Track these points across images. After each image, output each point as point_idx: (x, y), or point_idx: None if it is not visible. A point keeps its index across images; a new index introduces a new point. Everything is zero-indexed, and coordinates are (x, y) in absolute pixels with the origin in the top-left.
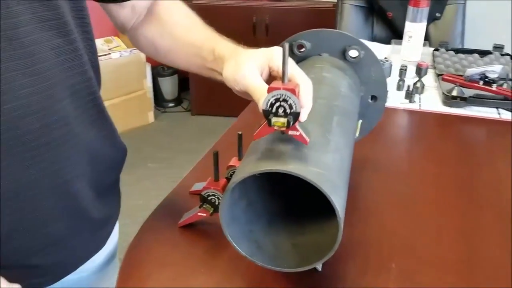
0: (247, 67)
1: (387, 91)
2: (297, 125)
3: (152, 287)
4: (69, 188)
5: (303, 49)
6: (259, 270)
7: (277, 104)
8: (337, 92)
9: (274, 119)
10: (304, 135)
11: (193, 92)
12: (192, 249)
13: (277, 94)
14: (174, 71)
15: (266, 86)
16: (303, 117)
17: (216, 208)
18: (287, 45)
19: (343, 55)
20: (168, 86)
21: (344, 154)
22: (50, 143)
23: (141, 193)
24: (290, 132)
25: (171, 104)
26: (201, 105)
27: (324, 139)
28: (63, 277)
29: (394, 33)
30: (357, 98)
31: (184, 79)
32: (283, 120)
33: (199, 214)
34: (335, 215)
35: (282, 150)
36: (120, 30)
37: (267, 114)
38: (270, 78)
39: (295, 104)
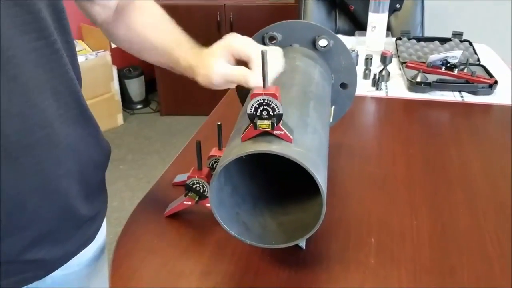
0: (218, 66)
1: (357, 78)
2: (280, 125)
3: (143, 275)
4: (55, 187)
5: (274, 41)
6: (245, 252)
7: (261, 108)
8: (311, 80)
9: (259, 122)
10: (288, 133)
11: (160, 93)
12: (180, 236)
13: (260, 100)
14: (140, 72)
15: (243, 69)
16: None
17: (201, 196)
18: (266, 52)
19: (313, 45)
20: (135, 87)
21: (322, 136)
22: (33, 144)
23: (115, 195)
24: (275, 132)
25: (139, 106)
26: (169, 105)
27: (303, 122)
28: (51, 272)
29: (357, 26)
30: (329, 86)
31: (151, 80)
32: (268, 122)
33: (184, 202)
34: (317, 194)
35: (265, 134)
36: (95, 24)
37: (253, 117)
38: (237, 61)
39: (277, 107)
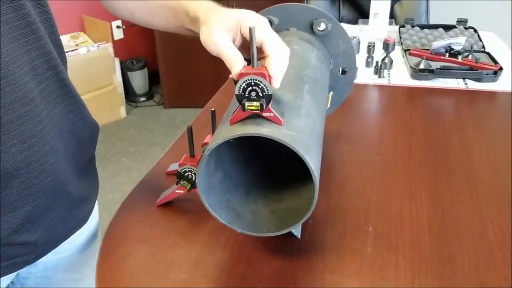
0: (218, 34)
1: (356, 63)
2: (270, 106)
3: (132, 265)
4: (42, 165)
5: (271, 25)
6: (239, 240)
7: (249, 88)
8: (307, 63)
9: (247, 103)
10: (278, 115)
11: (164, 85)
12: (172, 225)
13: (248, 79)
14: (143, 64)
15: (237, 53)
16: (275, 85)
17: (193, 184)
18: (254, 29)
19: (311, 28)
20: (139, 80)
21: (316, 120)
22: (14, 121)
23: (117, 187)
24: (265, 114)
25: (142, 99)
26: (173, 97)
27: (296, 105)
28: (42, 256)
29: (361, 14)
30: (327, 69)
31: (154, 72)
32: (257, 103)
33: (176, 191)
34: (310, 179)
35: (254, 117)
36: None
37: (240, 98)
38: (245, 42)
39: (266, 87)
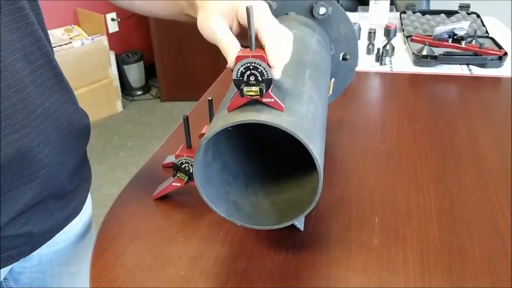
0: (214, 20)
1: (358, 48)
2: (270, 91)
3: (127, 262)
4: (34, 156)
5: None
6: (238, 235)
7: (248, 72)
8: (307, 48)
9: (246, 89)
10: (279, 101)
11: (160, 78)
12: (169, 220)
13: (246, 63)
14: (139, 57)
15: (234, 40)
16: (276, 76)
17: (190, 176)
18: (251, 8)
19: (311, 13)
20: (134, 73)
21: (319, 106)
22: (7, 109)
23: (114, 182)
24: (265, 100)
25: (139, 92)
26: (170, 91)
27: (297, 90)
28: (37, 248)
29: (359, 2)
30: (328, 55)
31: (151, 65)
32: (256, 88)
33: (173, 184)
34: (313, 170)
35: (254, 103)
36: None
37: (238, 84)
38: (242, 29)
39: (266, 70)
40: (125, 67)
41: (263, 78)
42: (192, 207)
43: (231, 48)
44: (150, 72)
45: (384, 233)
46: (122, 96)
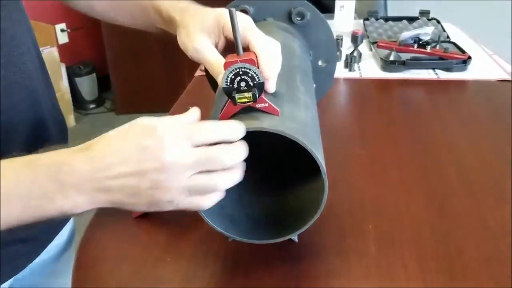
0: (198, 39)
1: (337, 54)
2: (264, 96)
3: (114, 286)
4: None
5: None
6: (231, 251)
7: (238, 79)
8: (292, 53)
9: (238, 96)
10: (273, 105)
11: (115, 90)
12: (153, 238)
13: (235, 68)
14: (91, 69)
15: (221, 59)
16: (270, 89)
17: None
18: (234, 11)
19: (289, 18)
20: (87, 86)
21: (314, 112)
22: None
23: None
24: (258, 105)
25: (92, 106)
26: (125, 103)
27: (293, 96)
28: (43, 249)
29: (322, 10)
30: (309, 61)
31: (104, 77)
32: (248, 94)
33: None
34: (311, 178)
35: (247, 110)
36: None
37: (230, 92)
38: (229, 43)
39: (257, 74)
40: (77, 79)
41: (255, 82)
42: (176, 224)
43: (220, 68)
44: (103, 84)
45: (380, 240)
46: (74, 110)
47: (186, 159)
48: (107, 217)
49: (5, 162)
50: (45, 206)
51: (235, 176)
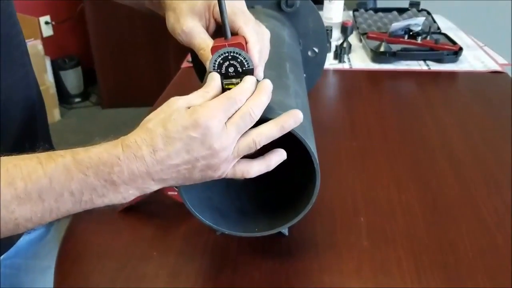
0: (187, 22)
1: (327, 43)
2: None
3: (96, 284)
4: None
5: None
6: (219, 245)
7: (226, 63)
8: (281, 41)
9: (225, 82)
10: None
11: (101, 84)
12: (138, 234)
13: (224, 53)
14: (77, 63)
15: (211, 42)
16: (259, 75)
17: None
18: None
19: (278, 6)
20: (72, 79)
21: (304, 100)
22: None
23: None
24: None
25: (77, 100)
26: (111, 97)
27: (282, 83)
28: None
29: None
30: (299, 50)
31: (89, 70)
32: (236, 81)
33: None
34: (302, 169)
35: None
36: None
37: None
38: (220, 28)
39: (246, 60)
40: (61, 73)
41: (244, 69)
42: (163, 218)
43: (206, 55)
44: (88, 78)
45: (372, 234)
46: (59, 104)
47: (230, 136)
48: (89, 213)
49: (51, 160)
50: (95, 200)
51: (268, 127)
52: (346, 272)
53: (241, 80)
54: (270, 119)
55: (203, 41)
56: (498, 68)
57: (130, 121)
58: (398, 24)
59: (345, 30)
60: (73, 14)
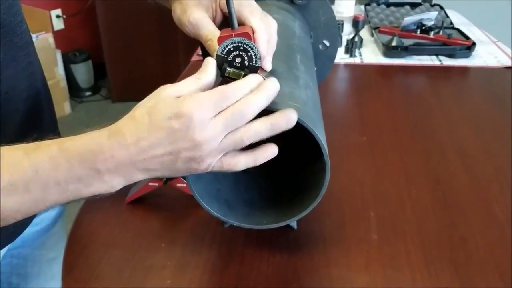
0: (193, 13)
1: (338, 36)
2: (261, 74)
3: (104, 275)
4: None
5: None
6: (227, 237)
7: (236, 52)
8: (292, 32)
9: (229, 69)
10: None
11: (111, 77)
12: (146, 225)
13: (238, 42)
14: (87, 56)
15: (215, 34)
16: (267, 66)
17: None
18: None
19: None
20: (83, 73)
21: (315, 92)
22: None
23: None
24: None
25: (88, 93)
26: (121, 91)
27: (292, 75)
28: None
29: None
30: (310, 42)
31: (100, 64)
32: (239, 72)
33: (150, 184)
34: (310, 162)
35: None
36: None
37: (221, 61)
38: (227, 19)
39: (256, 56)
40: (72, 66)
41: (250, 64)
42: (170, 210)
43: (213, 45)
44: (99, 72)
45: (381, 228)
46: (70, 97)
47: (216, 130)
48: (99, 202)
49: (37, 150)
50: (82, 190)
51: (257, 125)
52: (354, 266)
53: (244, 74)
54: (277, 111)
55: (210, 32)
56: (511, 64)
57: None
58: (410, 19)
59: (356, 24)
60: (84, 7)
